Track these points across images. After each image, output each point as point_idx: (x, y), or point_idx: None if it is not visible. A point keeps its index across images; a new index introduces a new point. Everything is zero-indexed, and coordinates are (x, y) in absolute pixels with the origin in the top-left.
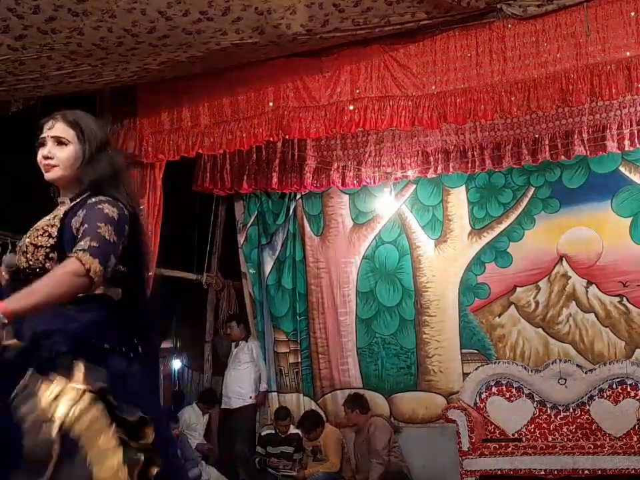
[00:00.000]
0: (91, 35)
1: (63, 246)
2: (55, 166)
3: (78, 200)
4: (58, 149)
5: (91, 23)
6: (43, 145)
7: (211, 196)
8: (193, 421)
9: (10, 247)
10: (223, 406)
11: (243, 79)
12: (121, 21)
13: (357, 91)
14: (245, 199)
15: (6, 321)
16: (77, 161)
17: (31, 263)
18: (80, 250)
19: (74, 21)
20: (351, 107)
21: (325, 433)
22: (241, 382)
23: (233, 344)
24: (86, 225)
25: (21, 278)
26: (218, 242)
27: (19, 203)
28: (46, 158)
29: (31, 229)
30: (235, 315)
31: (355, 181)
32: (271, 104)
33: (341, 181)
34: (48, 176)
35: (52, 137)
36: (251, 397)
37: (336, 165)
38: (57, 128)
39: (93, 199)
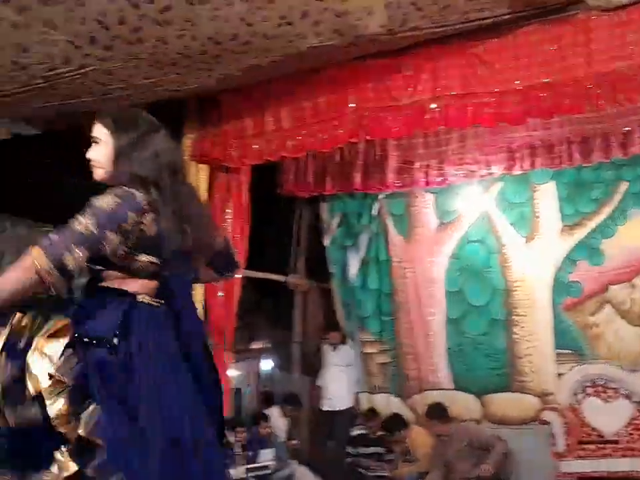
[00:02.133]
0: (175, 44)
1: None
2: (95, 167)
3: None
4: (94, 150)
5: (174, 32)
6: None
7: (295, 199)
8: (277, 423)
9: None
10: (326, 408)
11: (322, 81)
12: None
13: (438, 89)
14: (328, 201)
15: None
16: (109, 158)
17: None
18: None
19: (158, 31)
20: (432, 106)
21: (414, 433)
22: (343, 384)
23: (328, 346)
24: None
25: None
26: (303, 244)
27: None
28: (89, 161)
29: None
30: (330, 323)
31: (438, 180)
32: (351, 105)
33: (424, 180)
34: (94, 177)
35: (92, 137)
36: (354, 400)
37: (419, 164)
38: (94, 129)
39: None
